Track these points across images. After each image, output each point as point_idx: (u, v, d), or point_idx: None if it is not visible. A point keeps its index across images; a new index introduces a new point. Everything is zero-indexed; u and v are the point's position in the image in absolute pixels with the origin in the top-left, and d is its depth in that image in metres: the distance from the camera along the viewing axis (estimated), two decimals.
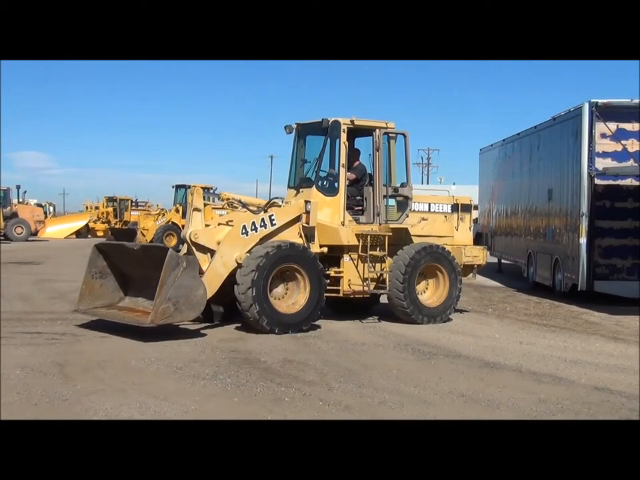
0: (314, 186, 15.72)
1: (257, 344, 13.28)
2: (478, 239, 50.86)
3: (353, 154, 16.51)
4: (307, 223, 15.17)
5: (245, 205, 15.64)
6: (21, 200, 59.45)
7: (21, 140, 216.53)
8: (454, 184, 72.21)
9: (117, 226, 55.52)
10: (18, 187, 57.81)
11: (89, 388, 9.64)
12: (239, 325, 14.72)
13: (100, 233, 57.13)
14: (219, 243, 14.51)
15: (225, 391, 9.78)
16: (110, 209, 60.49)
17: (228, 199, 15.94)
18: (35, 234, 54.45)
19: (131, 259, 14.69)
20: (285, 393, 9.68)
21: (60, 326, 14.54)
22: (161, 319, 13.00)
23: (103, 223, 59.43)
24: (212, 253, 14.47)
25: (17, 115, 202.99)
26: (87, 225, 58.57)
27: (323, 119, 15.56)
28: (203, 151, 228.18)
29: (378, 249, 15.89)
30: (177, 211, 43.80)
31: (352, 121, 15.72)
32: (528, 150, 26.16)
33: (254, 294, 13.77)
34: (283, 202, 15.82)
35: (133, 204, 63.14)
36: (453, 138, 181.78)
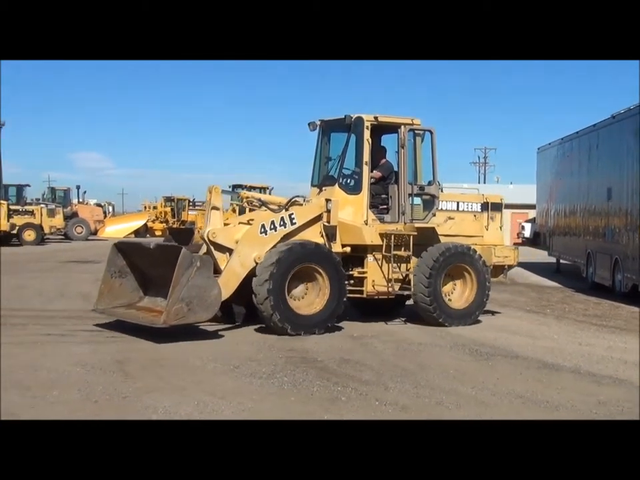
0: (336, 184, 15.19)
1: (313, 343, 13.12)
2: (535, 239, 50.07)
3: (379, 151, 15.95)
4: (328, 222, 14.60)
5: (264, 204, 15.06)
6: (80, 200, 60.01)
7: (81, 141, 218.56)
8: (511, 183, 71.20)
9: (175, 225, 55.40)
10: (78, 187, 58.39)
11: (148, 386, 9.66)
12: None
13: (158, 233, 57.10)
14: (237, 243, 13.98)
15: (281, 390, 9.67)
16: (168, 209, 60.55)
17: (247, 198, 15.32)
18: (95, 233, 54.87)
19: (148, 258, 14.33)
20: (342, 392, 9.53)
21: (119, 324, 14.21)
22: (174, 320, 12.62)
23: (161, 222, 59.48)
24: (231, 252, 14.04)
25: (78, 117, 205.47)
26: (145, 225, 58.62)
27: (345, 115, 15.02)
28: (261, 151, 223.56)
29: (402, 248, 15.25)
30: (234, 210, 43.32)
31: (376, 117, 15.15)
32: (587, 149, 25.46)
33: (270, 287, 13.34)
34: (304, 201, 15.02)
35: (191, 204, 62.96)
36: (511, 137, 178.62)
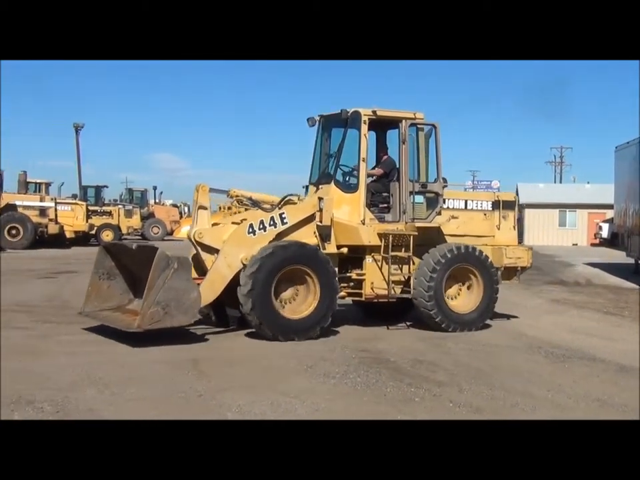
0: (332, 182, 14.23)
1: (387, 344, 12.87)
2: (613, 239, 48.15)
3: (382, 147, 15.01)
4: (321, 222, 13.59)
5: (255, 203, 14.11)
6: (157, 201, 60.29)
7: (158, 142, 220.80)
8: (588, 183, 68.90)
9: None
10: (155, 188, 58.56)
11: (222, 384, 9.62)
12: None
13: None
14: (224, 243, 13.26)
15: (354, 390, 9.51)
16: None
17: (237, 196, 14.37)
18: (171, 234, 55.01)
19: (133, 259, 13.56)
20: (415, 393, 9.34)
21: (195, 322, 13.57)
22: (149, 324, 11.93)
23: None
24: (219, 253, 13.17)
25: (155, 119, 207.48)
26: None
27: (342, 110, 14.11)
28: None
29: (403, 249, 14.22)
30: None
31: (374, 112, 14.17)
32: None
33: (255, 295, 12.47)
34: (299, 199, 14.14)
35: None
36: (588, 135, 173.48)
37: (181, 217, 61.82)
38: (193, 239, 13.23)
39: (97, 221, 49.04)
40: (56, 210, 44.01)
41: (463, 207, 15.19)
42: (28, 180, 46.22)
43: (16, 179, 45.18)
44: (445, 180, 14.94)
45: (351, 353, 11.87)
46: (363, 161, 14.03)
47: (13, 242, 38.67)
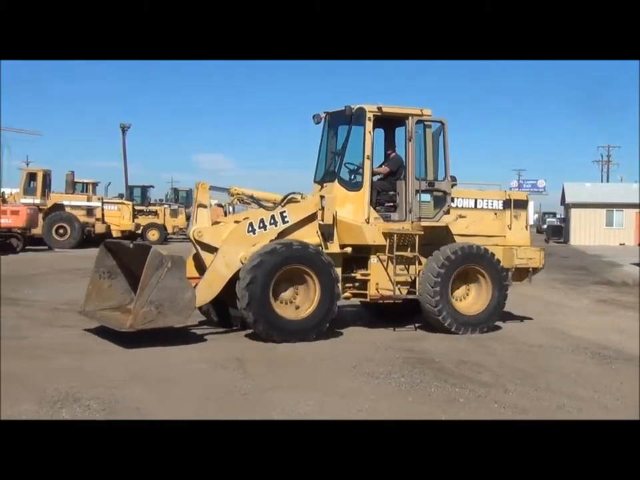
0: (336, 180, 13.75)
1: (431, 344, 12.69)
2: None
3: (390, 145, 14.50)
4: (322, 220, 13.20)
5: (256, 201, 13.65)
6: None
7: (203, 143, 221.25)
8: (636, 182, 67.25)
9: None
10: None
11: (267, 384, 9.51)
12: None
13: None
14: (223, 242, 12.88)
15: (399, 390, 9.35)
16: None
17: (237, 194, 13.92)
18: None
19: (133, 258, 13.15)
20: (459, 393, 9.17)
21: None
22: (141, 324, 11.61)
23: None
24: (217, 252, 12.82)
25: (201, 120, 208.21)
26: None
27: (346, 106, 13.65)
28: None
29: (409, 249, 13.70)
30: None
31: (379, 108, 13.71)
32: None
33: (252, 291, 12.08)
34: (302, 198, 13.68)
35: None
36: (636, 134, 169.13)
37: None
38: (192, 238, 12.88)
39: (143, 220, 48.92)
40: (103, 209, 44.11)
41: (473, 206, 14.63)
42: (75, 180, 46.40)
43: (64, 179, 45.26)
44: (453, 178, 14.46)
45: (394, 353, 11.68)
46: (368, 158, 13.58)
47: (61, 241, 38.69)
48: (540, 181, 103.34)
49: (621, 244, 59.89)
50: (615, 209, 63.06)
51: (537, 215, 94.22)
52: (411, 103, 14.20)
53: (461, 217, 14.17)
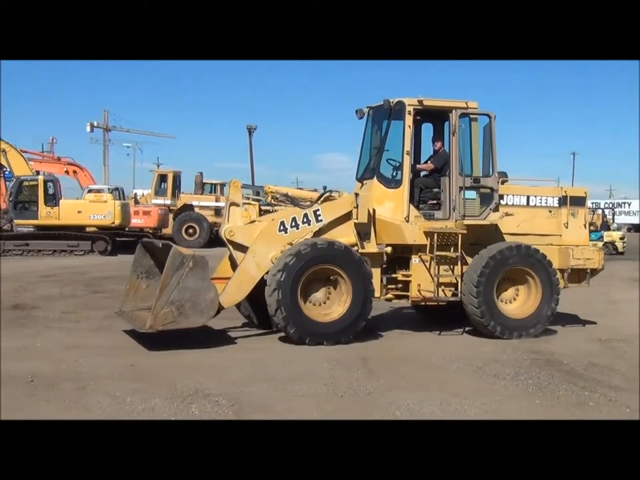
0: (375, 177, 12.96)
1: (559, 345, 12.22)
2: None
3: (438, 140, 13.57)
4: (357, 219, 12.47)
5: (291, 199, 13.07)
6: None
7: (327, 142, 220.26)
8: None
9: None
10: (324, 187, 57.56)
11: (391, 383, 9.35)
12: None
13: None
14: (253, 241, 12.37)
15: (526, 392, 9.07)
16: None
17: (272, 192, 13.33)
18: None
19: (164, 258, 12.62)
20: (589, 397, 8.80)
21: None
22: (161, 324, 11.21)
23: None
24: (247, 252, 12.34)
25: (324, 119, 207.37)
26: None
27: (384, 100, 12.88)
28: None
29: (452, 249, 12.76)
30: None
31: (420, 101, 12.89)
32: None
33: (279, 297, 11.53)
34: (339, 196, 13.01)
35: None
36: None
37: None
38: (224, 237, 12.43)
39: None
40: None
41: (525, 204, 13.53)
42: (204, 181, 46.77)
43: (193, 180, 45.78)
44: (504, 174, 13.42)
45: (522, 354, 11.27)
46: (407, 154, 12.78)
47: (190, 240, 38.93)
48: None
49: None
50: None
51: None
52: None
53: (507, 214, 13.07)
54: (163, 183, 41.37)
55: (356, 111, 13.49)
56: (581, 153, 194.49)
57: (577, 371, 10.21)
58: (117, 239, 32.91)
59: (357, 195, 12.62)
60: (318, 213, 12.50)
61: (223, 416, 7.73)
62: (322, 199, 13.04)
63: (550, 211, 13.58)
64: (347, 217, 12.59)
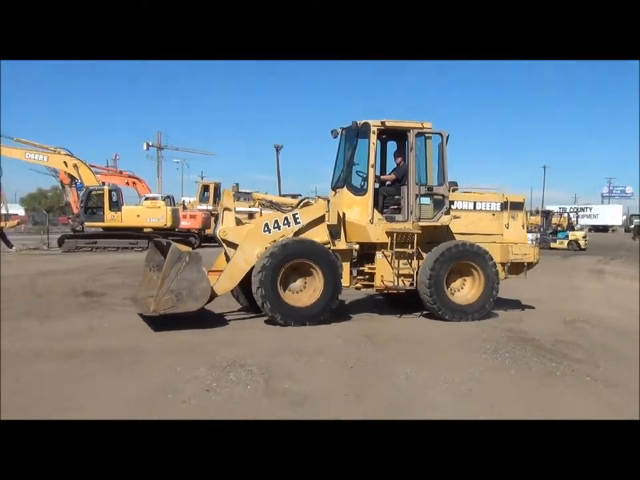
0: (345, 186, 11.88)
1: (530, 325, 11.36)
2: None
3: (399, 154, 12.44)
4: (329, 221, 11.52)
5: (274, 205, 12.04)
6: None
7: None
8: None
9: None
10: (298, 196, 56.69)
11: (392, 356, 8.83)
12: None
13: None
14: (242, 239, 11.34)
15: (503, 364, 8.52)
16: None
17: (259, 199, 12.28)
18: None
19: None
20: (556, 368, 8.30)
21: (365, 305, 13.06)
22: (163, 309, 10.28)
23: None
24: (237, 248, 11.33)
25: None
26: None
27: (352, 122, 11.85)
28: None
29: (409, 246, 11.61)
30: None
31: (382, 123, 11.74)
32: None
33: (263, 293, 10.66)
34: (314, 202, 11.91)
35: None
36: None
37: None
38: (218, 237, 11.50)
39: None
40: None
41: (472, 208, 12.36)
42: (240, 190, 45.73)
43: (230, 189, 44.64)
44: (455, 183, 12.27)
45: (499, 332, 10.57)
46: (372, 167, 11.66)
47: None
48: (628, 187, 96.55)
49: None
50: None
51: (625, 217, 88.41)
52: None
53: (455, 217, 11.86)
54: (206, 192, 40.48)
55: (331, 131, 12.36)
56: (552, 166, 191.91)
57: (546, 346, 9.63)
58: (169, 237, 32.05)
59: (328, 201, 11.72)
60: (297, 216, 11.45)
61: (255, 382, 7.32)
62: (301, 204, 11.85)
63: (493, 214, 12.40)
64: (321, 219, 11.55)
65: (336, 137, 12.31)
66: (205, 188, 40.79)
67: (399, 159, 12.21)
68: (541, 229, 39.20)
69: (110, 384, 7.25)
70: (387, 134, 12.12)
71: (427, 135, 11.76)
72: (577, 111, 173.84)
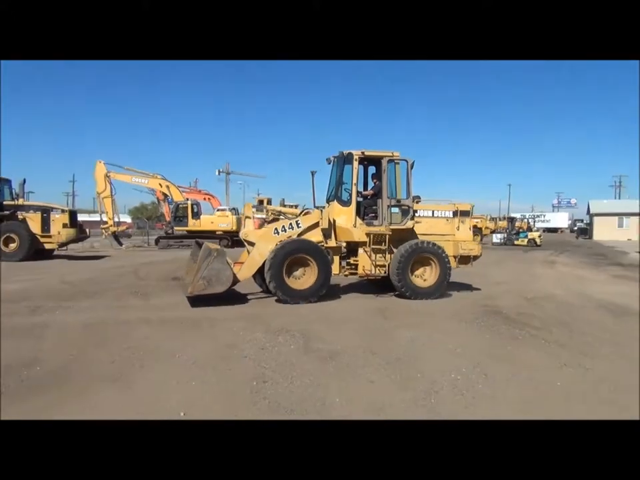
0: (335, 200, 11.88)
1: (500, 301, 11.38)
2: None
3: (375, 175, 12.31)
4: (322, 225, 11.65)
5: (283, 215, 12.22)
6: None
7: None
8: (636, 199, 58.70)
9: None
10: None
11: (399, 324, 8.90)
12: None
13: None
14: (258, 239, 11.52)
15: (480, 330, 8.52)
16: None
17: (271, 210, 12.42)
18: None
19: None
20: (519, 333, 8.31)
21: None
22: (197, 291, 10.40)
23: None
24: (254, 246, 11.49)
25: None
26: None
27: (339, 152, 11.83)
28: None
29: (382, 244, 11.49)
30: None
31: (362, 152, 11.70)
32: None
33: (272, 273, 10.79)
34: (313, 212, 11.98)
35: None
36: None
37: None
38: (242, 238, 11.71)
39: None
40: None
41: (431, 215, 12.27)
42: (285, 203, 46.02)
43: (279, 202, 45.09)
44: (418, 197, 12.21)
45: (477, 308, 10.56)
46: (354, 185, 11.73)
47: None
48: (572, 199, 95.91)
49: (628, 239, 52.25)
50: (624, 217, 55.43)
51: (570, 221, 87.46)
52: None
53: (417, 222, 11.85)
54: (261, 204, 40.70)
55: (326, 159, 12.42)
56: (516, 183, 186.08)
57: (512, 317, 9.61)
58: (234, 238, 32.60)
59: (321, 210, 11.80)
60: (298, 222, 11.61)
61: (297, 343, 7.44)
62: (302, 213, 12.01)
63: (447, 220, 12.32)
64: (317, 224, 11.67)
65: (329, 164, 12.42)
66: (260, 202, 41.26)
67: (375, 180, 12.24)
68: (507, 231, 40.93)
69: (193, 341, 7.52)
70: (366, 160, 12.15)
71: (395, 161, 11.78)
72: (532, 138, 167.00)
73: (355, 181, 11.62)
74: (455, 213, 12.27)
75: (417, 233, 12.00)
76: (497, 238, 40.04)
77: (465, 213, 12.33)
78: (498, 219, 50.42)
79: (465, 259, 12.24)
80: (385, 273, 11.74)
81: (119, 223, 32.74)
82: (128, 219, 66.54)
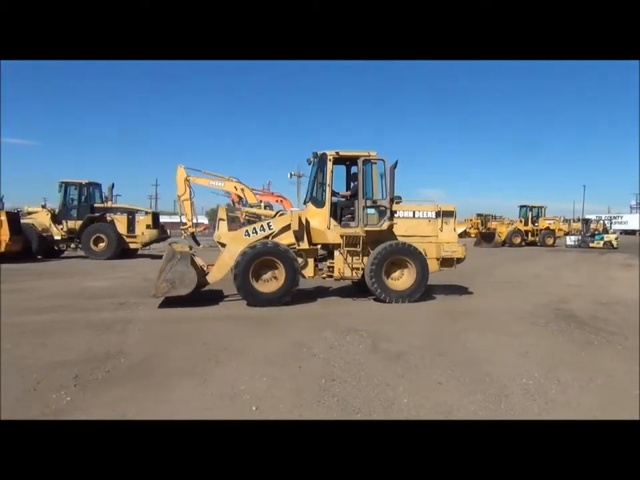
0: (310, 201, 11.69)
1: (573, 305, 11.14)
2: None
3: (353, 176, 12.12)
4: (293, 227, 11.44)
5: (258, 217, 12.17)
6: None
7: (425, 179, 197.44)
8: None
9: (483, 230, 48.93)
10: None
11: (464, 326, 8.88)
12: None
13: (473, 236, 50.94)
14: (228, 242, 11.48)
15: (552, 334, 8.40)
16: (478, 220, 54.03)
17: (246, 212, 12.42)
18: None
19: None
20: (595, 338, 8.15)
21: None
22: (160, 293, 10.59)
23: (475, 229, 53.26)
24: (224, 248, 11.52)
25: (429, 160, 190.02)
26: (465, 231, 52.86)
27: (313, 152, 11.63)
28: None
29: (358, 246, 11.27)
30: (520, 221, 41.85)
31: (337, 152, 11.50)
32: None
33: (239, 283, 10.76)
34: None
35: (493, 217, 55.85)
36: None
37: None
38: (215, 240, 11.72)
39: None
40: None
41: (412, 216, 11.83)
42: None
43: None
44: (399, 197, 11.82)
45: (550, 310, 10.42)
46: (329, 186, 11.48)
47: None
48: None
49: None
50: None
51: None
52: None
53: (394, 223, 11.59)
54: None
55: (307, 160, 12.26)
56: (591, 184, 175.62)
57: (586, 320, 9.42)
58: None
59: (292, 212, 11.72)
60: (270, 224, 11.50)
61: (365, 343, 7.55)
62: (276, 216, 11.92)
63: (429, 220, 11.85)
64: (289, 226, 11.49)
65: (310, 164, 12.26)
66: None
67: (352, 180, 12.00)
68: (582, 233, 38.97)
69: (266, 338, 7.83)
70: (341, 161, 11.87)
71: (372, 161, 11.45)
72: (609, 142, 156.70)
73: (328, 181, 11.39)
74: (437, 214, 11.79)
75: (396, 234, 11.64)
76: (570, 240, 38.68)
77: (449, 214, 11.81)
78: (572, 221, 48.23)
79: (448, 262, 11.72)
80: (361, 275, 11.45)
81: (197, 224, 34.18)
82: (205, 221, 68.85)
